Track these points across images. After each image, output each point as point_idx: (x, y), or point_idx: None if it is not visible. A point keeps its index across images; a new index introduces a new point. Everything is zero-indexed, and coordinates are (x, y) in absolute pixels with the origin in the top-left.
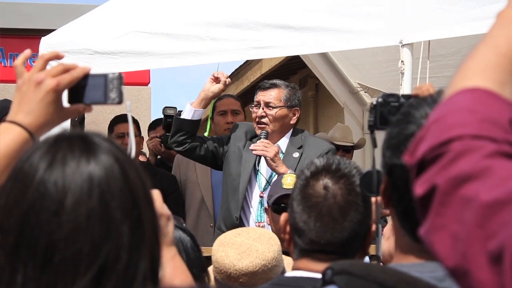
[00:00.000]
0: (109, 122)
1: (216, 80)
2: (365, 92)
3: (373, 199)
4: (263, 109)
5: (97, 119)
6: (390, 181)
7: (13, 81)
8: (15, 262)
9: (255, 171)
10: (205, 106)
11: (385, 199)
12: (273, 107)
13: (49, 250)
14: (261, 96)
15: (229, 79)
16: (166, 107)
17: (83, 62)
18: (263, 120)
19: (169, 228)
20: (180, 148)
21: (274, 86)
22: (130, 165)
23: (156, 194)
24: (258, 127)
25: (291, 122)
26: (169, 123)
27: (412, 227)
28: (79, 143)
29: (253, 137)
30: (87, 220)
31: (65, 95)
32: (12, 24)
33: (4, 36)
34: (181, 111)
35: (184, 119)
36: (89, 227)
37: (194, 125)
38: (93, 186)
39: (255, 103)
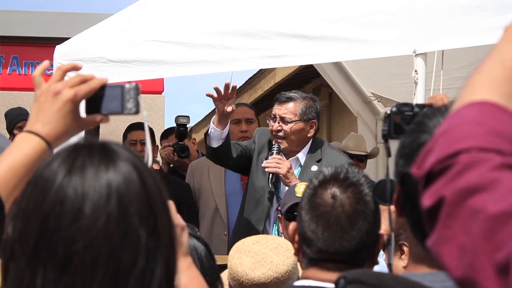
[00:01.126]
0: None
1: (222, 96)
2: (378, 101)
3: (384, 207)
4: (278, 123)
5: (112, 129)
6: (403, 190)
7: (28, 89)
8: (35, 265)
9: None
10: (226, 123)
11: (399, 208)
12: (289, 122)
13: (68, 254)
14: (277, 110)
15: (234, 85)
16: (178, 116)
17: (97, 71)
18: (279, 134)
19: (184, 238)
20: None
21: (290, 99)
22: (147, 173)
23: (170, 205)
24: (275, 141)
25: (308, 135)
26: (182, 132)
27: (425, 236)
28: (99, 150)
29: None
30: (105, 225)
31: (82, 106)
32: (27, 32)
33: (19, 44)
34: (208, 123)
35: (222, 146)
36: (107, 232)
37: (229, 141)
38: (112, 191)
39: (272, 116)
